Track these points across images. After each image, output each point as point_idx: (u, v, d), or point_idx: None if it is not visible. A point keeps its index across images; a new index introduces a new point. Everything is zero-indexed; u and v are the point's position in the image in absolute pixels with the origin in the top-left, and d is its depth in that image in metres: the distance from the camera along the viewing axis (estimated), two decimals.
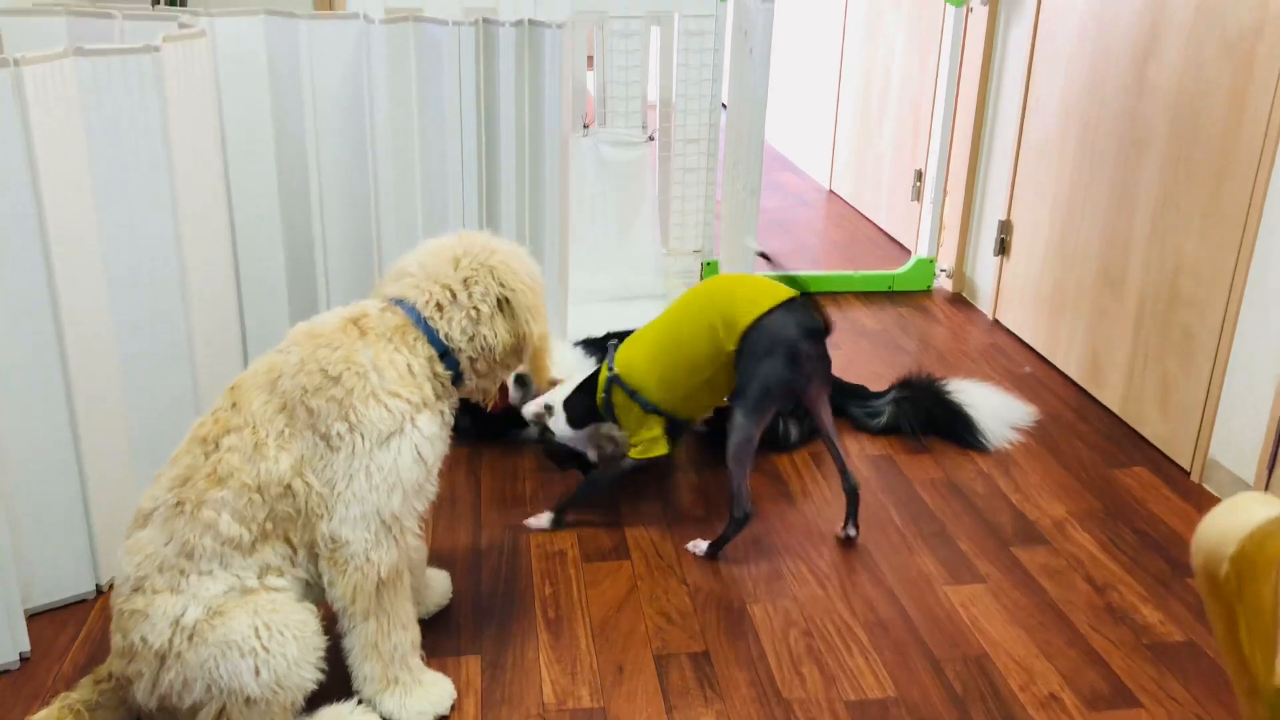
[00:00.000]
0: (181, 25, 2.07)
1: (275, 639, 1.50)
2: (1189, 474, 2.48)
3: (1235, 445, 2.35)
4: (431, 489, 1.66)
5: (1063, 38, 2.97)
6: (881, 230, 4.33)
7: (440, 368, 1.64)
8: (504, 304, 1.67)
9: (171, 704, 1.53)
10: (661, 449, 2.13)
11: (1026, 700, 1.76)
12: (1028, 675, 1.82)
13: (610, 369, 2.16)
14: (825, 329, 2.00)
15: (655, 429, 2.13)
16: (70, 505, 1.85)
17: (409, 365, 1.59)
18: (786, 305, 2.00)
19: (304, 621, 1.54)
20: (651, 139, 3.31)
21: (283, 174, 2.51)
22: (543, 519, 2.21)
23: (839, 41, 4.81)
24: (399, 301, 1.65)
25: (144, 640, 1.50)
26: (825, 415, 2.09)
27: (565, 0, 3.09)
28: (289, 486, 1.54)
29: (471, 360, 1.67)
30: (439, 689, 1.71)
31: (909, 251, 3.93)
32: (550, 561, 2.09)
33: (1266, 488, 2.24)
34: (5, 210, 1.66)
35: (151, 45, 1.78)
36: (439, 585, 1.94)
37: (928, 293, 3.66)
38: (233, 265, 2.27)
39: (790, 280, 2.07)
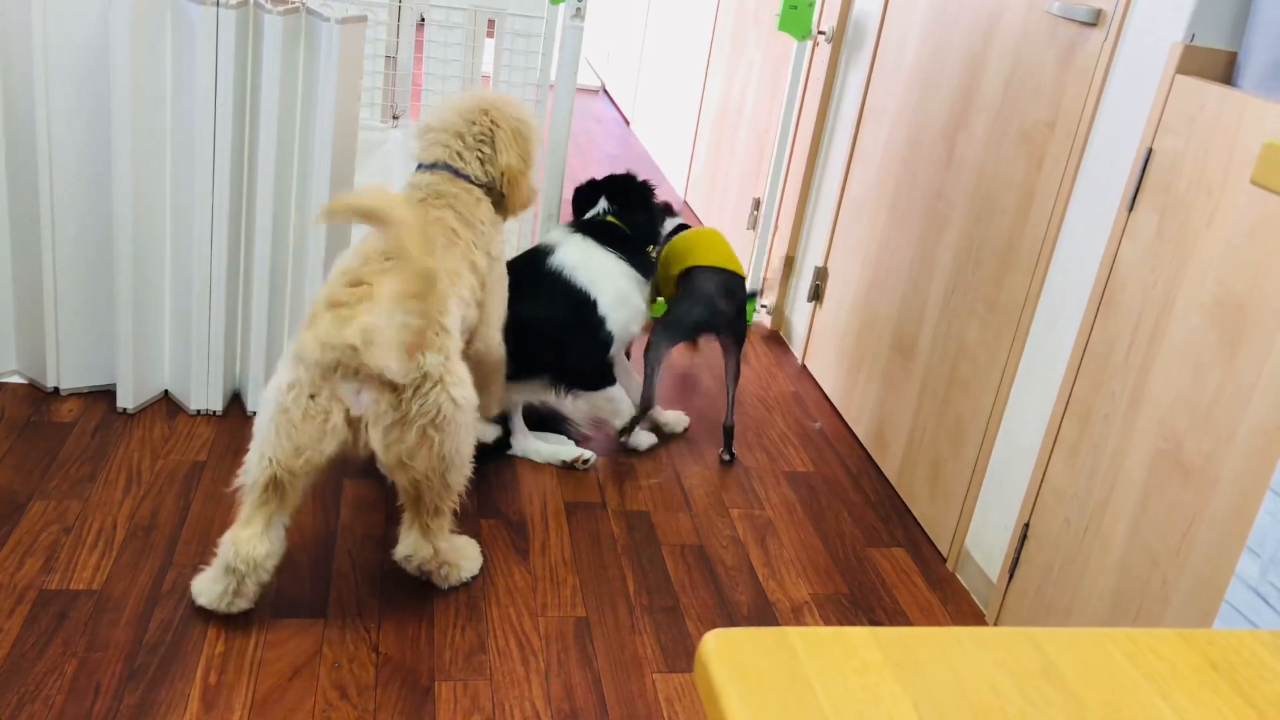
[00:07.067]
0: None
1: None
2: (946, 561, 2.43)
3: (986, 541, 2.30)
4: None
5: (893, 87, 2.88)
6: None
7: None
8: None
9: None
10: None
11: None
12: None
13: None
14: (741, 294, 2.70)
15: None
16: None
17: None
18: (719, 271, 2.68)
19: None
20: None
21: (11, 151, 2.27)
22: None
23: (707, 46, 4.67)
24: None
25: None
26: (730, 362, 2.74)
27: None
28: None
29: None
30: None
31: None
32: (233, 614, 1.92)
33: (1005, 593, 2.19)
34: None
35: None
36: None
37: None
38: None
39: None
